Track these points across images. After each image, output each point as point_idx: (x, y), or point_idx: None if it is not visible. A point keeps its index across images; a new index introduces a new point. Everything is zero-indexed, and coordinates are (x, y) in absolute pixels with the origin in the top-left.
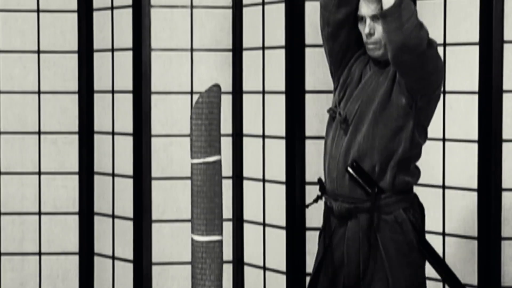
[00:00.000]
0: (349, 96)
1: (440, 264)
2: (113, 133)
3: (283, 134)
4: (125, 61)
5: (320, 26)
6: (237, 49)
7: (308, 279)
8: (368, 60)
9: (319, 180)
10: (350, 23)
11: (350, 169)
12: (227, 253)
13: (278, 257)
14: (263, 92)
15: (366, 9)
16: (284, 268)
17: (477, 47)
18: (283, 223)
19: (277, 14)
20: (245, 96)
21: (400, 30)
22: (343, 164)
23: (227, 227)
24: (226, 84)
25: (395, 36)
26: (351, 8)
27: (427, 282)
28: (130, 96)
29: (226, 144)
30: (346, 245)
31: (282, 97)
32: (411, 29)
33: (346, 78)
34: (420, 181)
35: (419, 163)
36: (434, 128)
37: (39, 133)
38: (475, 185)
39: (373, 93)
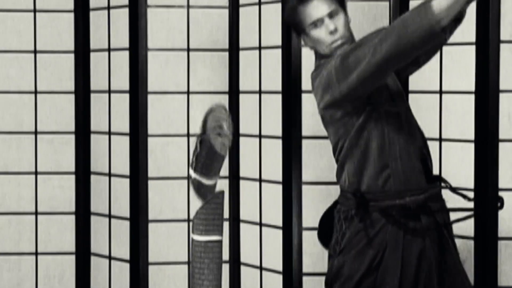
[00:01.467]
0: (397, 87)
1: None
2: (109, 133)
3: (280, 134)
4: (122, 61)
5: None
6: (233, 49)
7: (304, 279)
8: None
9: (359, 191)
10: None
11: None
12: (224, 253)
13: (275, 257)
14: (260, 92)
15: (320, 11)
16: (280, 268)
17: (473, 47)
18: (279, 223)
19: (273, 14)
20: (241, 96)
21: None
22: (408, 160)
23: (224, 227)
24: (223, 84)
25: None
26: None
27: None
28: (127, 96)
29: None
30: (428, 237)
31: (279, 97)
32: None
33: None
34: None
35: None
36: (430, 128)
37: (36, 133)
38: (471, 185)
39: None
